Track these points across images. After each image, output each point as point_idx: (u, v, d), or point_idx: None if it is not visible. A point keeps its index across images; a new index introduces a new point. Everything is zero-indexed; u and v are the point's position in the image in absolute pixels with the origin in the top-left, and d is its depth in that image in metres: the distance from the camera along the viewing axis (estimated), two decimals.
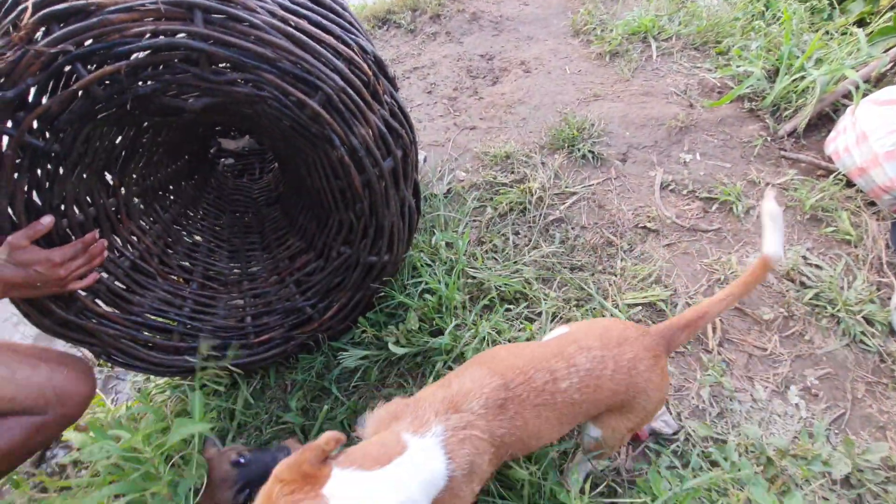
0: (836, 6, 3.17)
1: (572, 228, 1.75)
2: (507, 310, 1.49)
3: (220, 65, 0.95)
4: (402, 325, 1.40)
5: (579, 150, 1.98)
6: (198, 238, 1.49)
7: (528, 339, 1.37)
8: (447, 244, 1.59)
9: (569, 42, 2.68)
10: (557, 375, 0.89)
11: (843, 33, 2.49)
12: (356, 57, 1.01)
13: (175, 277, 1.36)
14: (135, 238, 1.27)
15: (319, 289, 1.34)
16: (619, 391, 0.91)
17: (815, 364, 1.41)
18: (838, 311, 1.47)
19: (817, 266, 1.60)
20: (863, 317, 1.46)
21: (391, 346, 1.32)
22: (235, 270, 1.47)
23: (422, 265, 1.53)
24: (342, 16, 1.06)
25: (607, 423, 0.97)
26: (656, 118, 2.11)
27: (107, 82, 0.91)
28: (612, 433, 0.98)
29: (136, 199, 1.29)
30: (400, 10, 2.98)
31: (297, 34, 0.94)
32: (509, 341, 1.38)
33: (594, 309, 1.49)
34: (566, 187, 1.88)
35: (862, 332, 1.44)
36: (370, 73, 1.03)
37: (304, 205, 1.45)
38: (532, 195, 1.80)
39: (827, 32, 2.54)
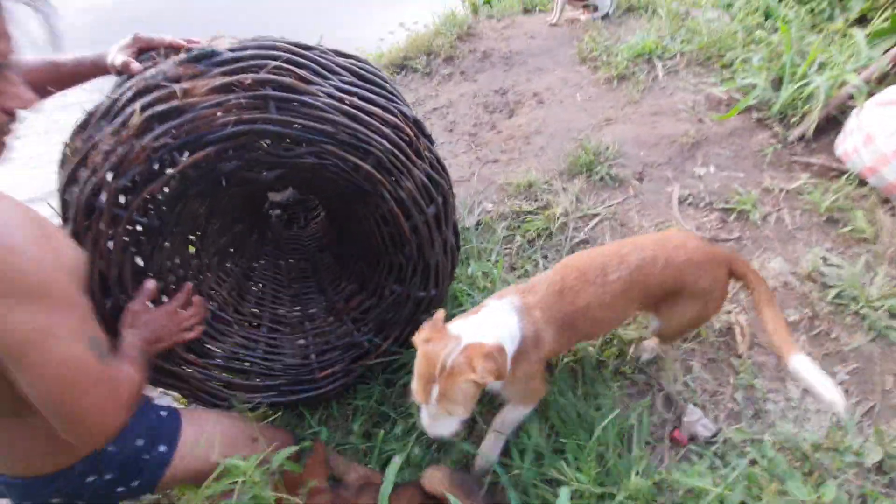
0: (837, 5, 3.26)
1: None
2: None
3: (288, 141, 1.14)
4: None
5: (597, 173, 2.12)
6: (262, 286, 1.68)
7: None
8: (483, 273, 1.74)
9: (577, 70, 2.84)
10: (608, 270, 1.16)
11: (844, 35, 2.58)
12: (399, 122, 1.18)
13: (248, 324, 1.54)
14: (213, 292, 1.46)
15: (375, 324, 1.50)
16: (668, 283, 1.18)
17: (843, 361, 1.48)
18: (861, 307, 1.55)
19: (837, 266, 1.67)
20: (886, 311, 1.53)
21: None
22: (296, 312, 1.65)
23: (462, 295, 1.68)
24: (384, 87, 1.24)
25: (664, 312, 1.26)
26: (668, 136, 2.23)
27: (199, 165, 1.10)
28: (668, 321, 1.28)
29: (213, 258, 1.49)
30: (415, 55, 3.21)
31: (352, 110, 1.11)
32: None
33: (625, 324, 1.60)
34: (588, 210, 2.01)
35: (886, 327, 1.50)
36: (412, 133, 1.20)
37: (353, 250, 1.63)
38: (556, 220, 1.94)
39: (826, 36, 2.64)
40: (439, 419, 1.03)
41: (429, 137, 1.30)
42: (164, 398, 1.52)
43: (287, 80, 1.05)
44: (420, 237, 1.27)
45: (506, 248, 1.93)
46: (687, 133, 2.20)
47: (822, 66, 2.31)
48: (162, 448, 1.10)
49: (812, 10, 3.19)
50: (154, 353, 1.10)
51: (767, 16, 3.17)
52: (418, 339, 1.03)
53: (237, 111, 1.05)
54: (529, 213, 2.02)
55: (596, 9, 3.28)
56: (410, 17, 3.68)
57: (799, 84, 2.20)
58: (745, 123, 2.25)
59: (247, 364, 1.46)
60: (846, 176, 1.91)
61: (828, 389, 1.06)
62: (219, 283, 1.50)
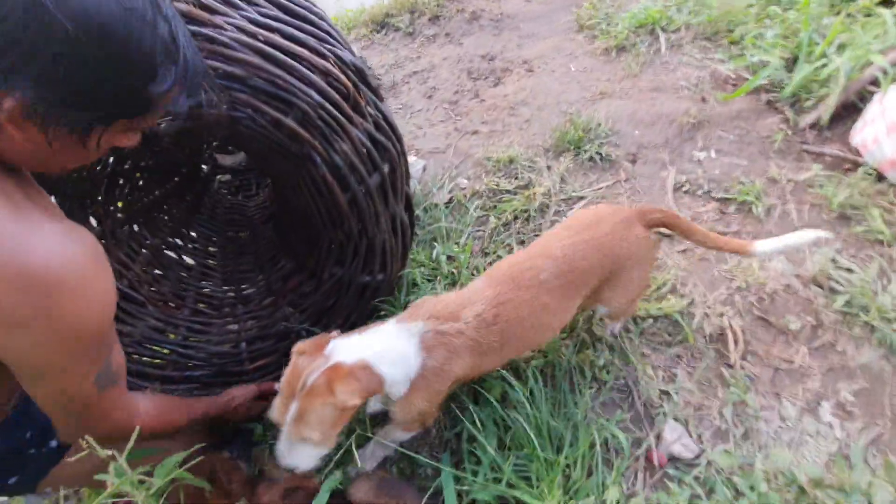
0: None
1: None
2: None
3: None
4: None
5: (586, 151, 1.89)
6: (190, 261, 1.45)
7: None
8: (448, 257, 1.52)
9: (573, 38, 2.58)
10: (537, 269, 1.03)
11: (868, 15, 2.35)
12: (333, 69, 0.95)
13: (167, 304, 1.32)
14: (122, 267, 1.22)
15: (313, 311, 1.28)
16: (597, 266, 1.07)
17: (849, 378, 1.30)
18: (872, 318, 1.36)
19: (848, 269, 1.48)
20: None
21: None
22: (230, 294, 1.42)
23: (423, 280, 1.46)
24: (318, 25, 1.00)
25: (607, 298, 1.15)
26: (667, 115, 2.00)
27: None
28: (614, 302, 1.16)
29: (123, 227, 1.24)
30: (398, 12, 2.91)
31: (269, 49, 0.88)
32: None
33: (601, 321, 1.40)
34: (573, 192, 1.79)
35: None
36: (349, 84, 0.97)
37: (293, 223, 1.40)
38: (536, 201, 1.72)
39: (849, 15, 2.40)
40: (295, 447, 0.89)
41: (375, 91, 1.06)
42: None
43: (184, 6, 0.81)
44: (361, 211, 1.04)
45: (478, 230, 1.71)
46: (688, 112, 1.97)
47: (842, 47, 2.08)
48: (53, 444, 0.94)
49: None
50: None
51: None
52: (295, 349, 0.93)
53: None
54: (508, 191, 1.80)
55: None
56: None
57: (816, 65, 1.97)
58: (752, 105, 2.03)
59: (164, 351, 1.24)
60: (863, 169, 1.71)
61: (800, 235, 1.09)
62: (130, 256, 1.26)
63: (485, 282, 1.05)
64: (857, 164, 1.76)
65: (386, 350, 0.93)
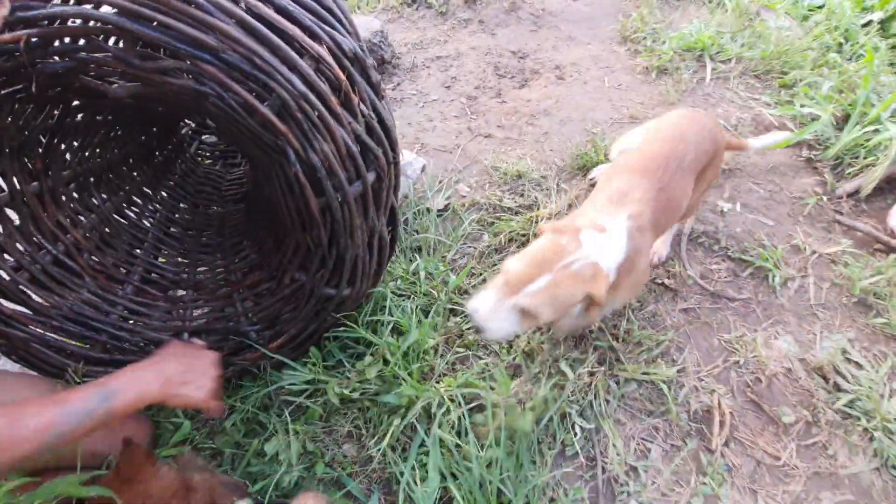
0: None
1: None
2: (485, 363, 1.29)
3: (147, 48, 0.76)
4: (358, 364, 1.22)
5: None
6: (145, 227, 1.31)
7: (499, 406, 1.17)
8: (428, 273, 1.39)
9: (614, 49, 2.39)
10: (680, 155, 1.20)
11: None
12: (326, 55, 0.80)
13: (108, 278, 1.19)
14: (59, 230, 1.09)
15: (268, 314, 1.16)
16: (710, 153, 1.29)
17: (835, 486, 1.19)
18: (874, 426, 1.24)
19: (857, 364, 1.35)
20: None
21: (330, 392, 1.14)
22: (182, 275, 1.29)
23: (397, 295, 1.34)
24: (321, 2, 0.85)
25: (699, 183, 1.32)
26: None
27: (9, 53, 0.73)
28: (697, 195, 1.36)
29: (68, 186, 1.11)
30: None
31: (250, 20, 0.73)
32: (473, 409, 1.18)
33: (580, 375, 1.28)
34: None
35: None
36: (342, 76, 0.82)
37: (264, 212, 1.26)
38: (537, 226, 1.58)
39: None
40: (505, 314, 0.96)
41: (375, 87, 0.91)
42: None
43: None
44: (334, 221, 0.91)
45: (469, 247, 1.57)
46: None
47: None
48: None
49: (893, 47, 2.73)
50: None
51: (846, 40, 2.71)
52: (548, 226, 1.05)
53: None
54: (509, 209, 1.66)
55: None
56: None
57: (868, 128, 1.81)
58: (791, 160, 1.87)
59: (93, 331, 1.12)
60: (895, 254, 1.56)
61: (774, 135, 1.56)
62: (72, 219, 1.13)
63: (633, 172, 1.19)
64: (890, 248, 1.61)
65: (619, 255, 1.05)
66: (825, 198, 1.75)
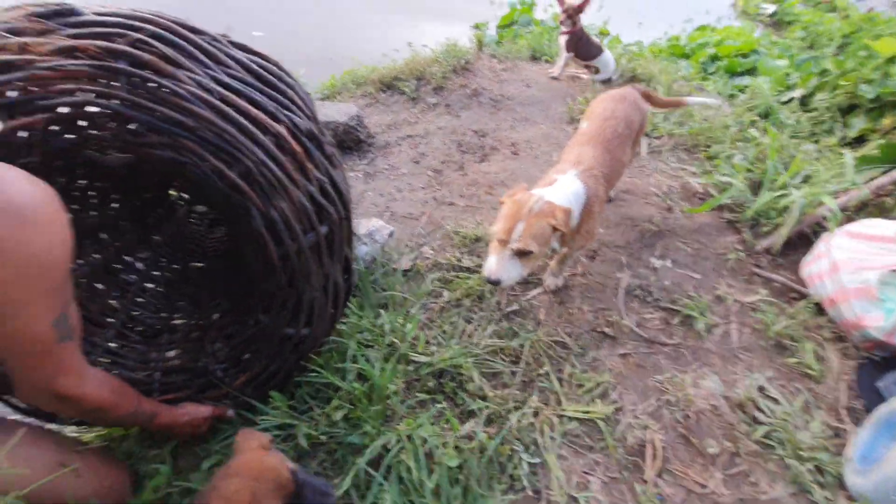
0: (839, 119, 3.22)
1: (528, 323, 1.71)
2: (441, 405, 1.43)
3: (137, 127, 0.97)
4: (326, 408, 1.35)
5: None
6: (129, 283, 1.47)
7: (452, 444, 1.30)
8: (391, 329, 1.56)
9: (563, 128, 2.73)
10: (613, 126, 1.69)
11: (837, 152, 2.51)
12: (285, 133, 1.03)
13: (92, 323, 1.32)
14: None
15: (234, 353, 1.31)
16: (637, 119, 1.82)
17: None
18: (787, 454, 1.39)
19: (774, 399, 1.52)
20: (814, 465, 1.37)
21: (300, 435, 1.26)
22: (159, 319, 1.44)
23: (362, 345, 1.50)
24: (282, 92, 1.08)
25: (637, 139, 1.89)
26: (632, 218, 2.10)
27: (28, 133, 0.94)
28: (636, 150, 2.05)
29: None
30: (407, 77, 3.10)
31: (222, 106, 0.96)
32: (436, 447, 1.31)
33: (524, 414, 1.42)
34: (530, 278, 1.85)
35: (811, 482, 1.34)
36: (298, 149, 1.05)
37: (238, 265, 1.45)
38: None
39: (820, 150, 2.56)
40: (509, 263, 1.35)
41: (330, 158, 1.14)
42: None
43: (147, 57, 0.91)
44: (292, 266, 1.09)
45: (431, 302, 1.76)
46: (652, 220, 2.07)
47: (806, 179, 2.22)
48: None
49: (814, 120, 3.14)
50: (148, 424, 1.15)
51: (766, 115, 3.12)
52: (506, 195, 1.45)
53: (83, 80, 0.90)
54: (467, 269, 1.86)
55: (598, 71, 3.20)
56: (430, 38, 3.59)
57: (777, 193, 2.09)
58: (714, 221, 2.13)
59: None
60: (806, 301, 1.78)
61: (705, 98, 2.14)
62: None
63: (583, 144, 1.66)
64: (802, 295, 1.84)
65: (570, 192, 1.46)
66: (745, 253, 1.99)
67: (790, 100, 3.54)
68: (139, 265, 1.52)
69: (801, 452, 1.39)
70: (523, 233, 1.32)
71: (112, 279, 1.44)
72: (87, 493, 1.12)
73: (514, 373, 1.54)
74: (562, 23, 3.15)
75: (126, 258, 1.49)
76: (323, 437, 1.31)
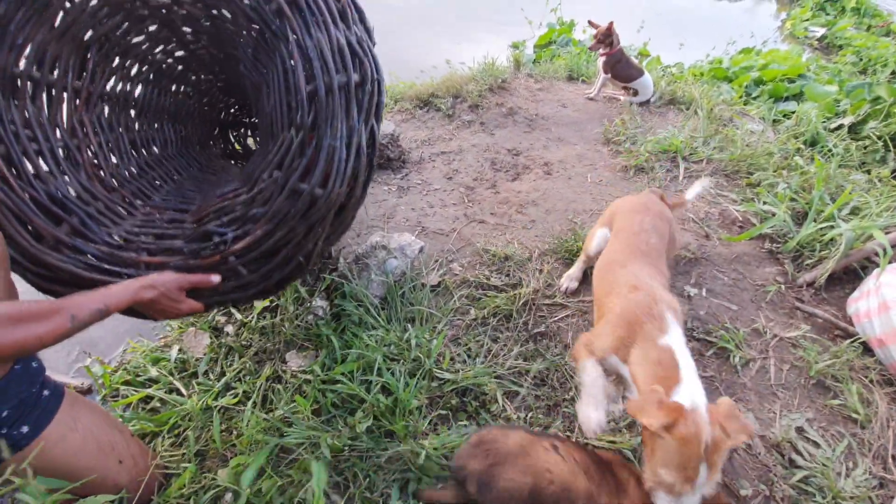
0: (892, 148, 3.07)
1: (555, 346, 1.69)
2: (464, 424, 1.42)
3: None
4: (350, 419, 1.37)
5: None
6: (158, 157, 1.53)
7: None
8: (416, 344, 1.57)
9: (597, 149, 2.71)
10: (645, 237, 1.52)
11: (890, 184, 2.39)
12: None
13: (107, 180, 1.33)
14: (80, 127, 1.27)
15: (239, 216, 1.21)
16: (664, 227, 1.60)
17: None
18: (828, 503, 1.31)
19: (814, 443, 1.44)
20: None
21: (323, 444, 1.27)
22: (170, 201, 1.45)
23: (388, 359, 1.51)
24: None
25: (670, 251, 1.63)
26: None
27: None
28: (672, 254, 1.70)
29: (105, 94, 1.35)
30: (443, 94, 3.14)
31: None
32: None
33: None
34: (559, 299, 1.83)
35: None
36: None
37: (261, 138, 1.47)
38: (519, 302, 1.77)
39: (870, 180, 2.45)
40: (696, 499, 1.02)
41: (369, 31, 1.20)
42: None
43: None
44: (318, 106, 1.07)
45: (458, 319, 1.76)
46: (688, 247, 2.01)
47: (854, 211, 2.12)
48: (24, 429, 0.97)
49: (865, 149, 3.01)
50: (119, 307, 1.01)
51: (813, 143, 3.01)
52: (655, 424, 0.98)
53: None
54: (495, 287, 1.86)
55: (636, 93, 3.17)
56: (468, 56, 3.64)
57: (823, 225, 2.01)
58: (754, 251, 2.06)
59: (67, 212, 1.20)
60: (851, 340, 1.69)
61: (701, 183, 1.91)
62: (96, 124, 1.34)
63: (625, 264, 1.43)
64: (847, 334, 1.74)
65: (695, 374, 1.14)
66: (786, 286, 1.91)
67: (839, 127, 3.40)
68: (170, 150, 1.58)
69: (842, 502, 1.31)
70: (710, 474, 0.99)
71: (138, 157, 1.49)
72: (124, 483, 1.15)
73: (538, 396, 1.52)
74: (591, 48, 3.14)
75: (159, 141, 1.56)
76: (346, 449, 1.32)
